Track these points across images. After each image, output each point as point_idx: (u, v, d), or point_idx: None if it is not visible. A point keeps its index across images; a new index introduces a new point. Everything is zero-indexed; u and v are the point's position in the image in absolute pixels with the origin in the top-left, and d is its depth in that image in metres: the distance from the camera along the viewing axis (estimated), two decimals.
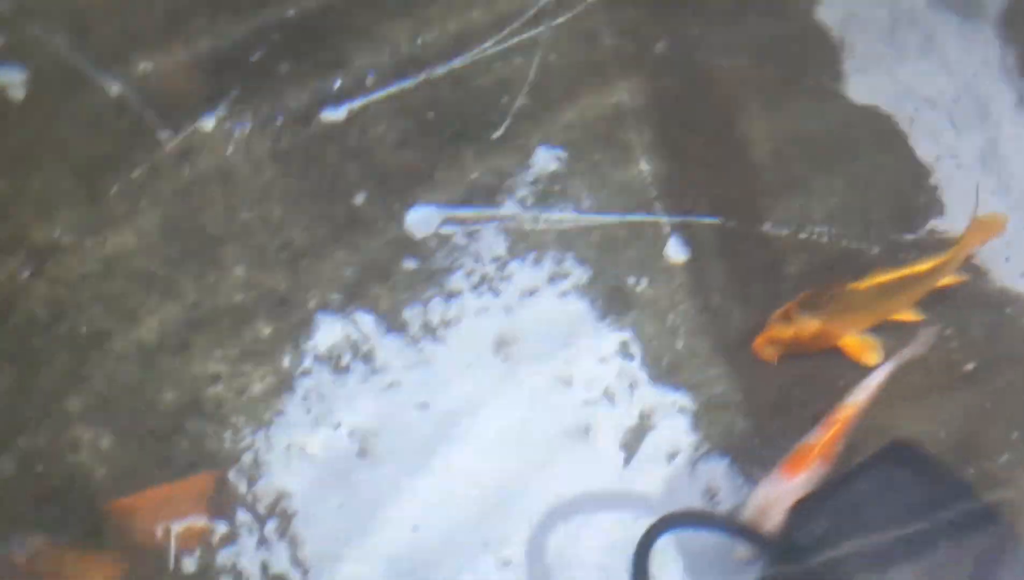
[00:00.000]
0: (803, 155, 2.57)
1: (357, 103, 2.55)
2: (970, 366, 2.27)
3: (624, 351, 2.31)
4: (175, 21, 2.63)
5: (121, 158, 2.39)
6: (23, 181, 2.33)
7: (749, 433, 2.24)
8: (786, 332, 2.23)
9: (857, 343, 2.25)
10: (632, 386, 2.27)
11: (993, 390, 2.25)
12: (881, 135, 2.60)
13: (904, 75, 2.65)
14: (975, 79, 2.59)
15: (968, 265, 2.38)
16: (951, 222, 2.46)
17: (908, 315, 2.29)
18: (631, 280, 2.39)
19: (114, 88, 2.48)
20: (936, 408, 2.24)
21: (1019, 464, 2.16)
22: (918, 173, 2.54)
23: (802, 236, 2.45)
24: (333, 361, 2.25)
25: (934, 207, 2.50)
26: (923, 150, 2.56)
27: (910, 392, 2.24)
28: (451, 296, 2.36)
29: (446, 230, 2.43)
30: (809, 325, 2.22)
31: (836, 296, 2.24)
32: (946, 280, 2.31)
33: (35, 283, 2.20)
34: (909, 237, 2.46)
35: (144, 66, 2.53)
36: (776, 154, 2.57)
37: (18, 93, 2.46)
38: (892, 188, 2.53)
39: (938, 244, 2.42)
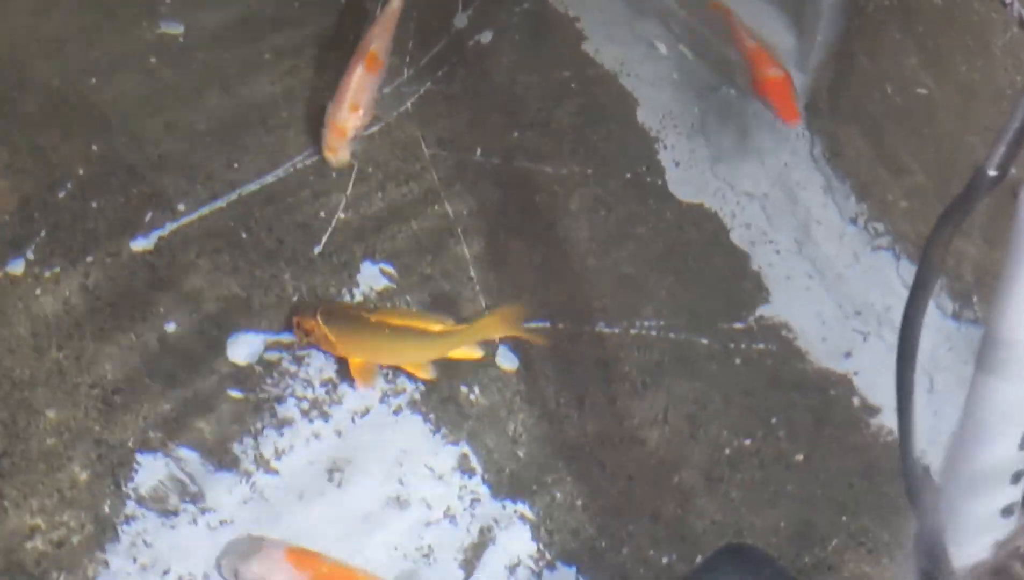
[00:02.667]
0: (630, 253, 2.72)
1: (167, 229, 2.61)
2: (800, 456, 2.43)
3: (463, 466, 2.39)
4: None
5: None
6: None
7: (594, 536, 2.34)
8: (309, 325, 2.44)
9: (359, 366, 2.44)
10: (473, 502, 2.35)
11: (823, 477, 2.41)
12: (704, 228, 2.77)
13: (722, 170, 2.84)
14: (786, 169, 2.79)
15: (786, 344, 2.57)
16: (777, 309, 2.64)
17: (421, 373, 2.47)
18: (464, 391, 2.48)
19: None
20: (772, 500, 2.38)
21: (847, 548, 2.31)
22: (741, 263, 2.72)
23: (633, 332, 2.59)
24: (158, 503, 2.27)
25: (759, 295, 2.68)
26: (743, 240, 2.74)
27: (748, 485, 2.39)
28: (283, 424, 2.40)
29: (271, 356, 2.49)
30: (323, 330, 2.42)
31: (351, 318, 2.46)
32: (460, 354, 2.48)
33: None
34: (738, 326, 2.62)
35: None
36: (603, 254, 2.72)
37: None
38: (718, 279, 2.69)
39: (765, 331, 2.60)
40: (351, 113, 2.72)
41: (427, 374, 2.46)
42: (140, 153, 2.75)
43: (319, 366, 2.49)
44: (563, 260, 2.70)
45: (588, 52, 3.07)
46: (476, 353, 2.49)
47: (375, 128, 2.85)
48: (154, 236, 2.60)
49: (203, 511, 2.28)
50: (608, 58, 3.05)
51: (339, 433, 2.41)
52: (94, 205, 2.63)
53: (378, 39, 2.83)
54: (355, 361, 2.43)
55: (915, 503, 1.44)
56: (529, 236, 2.75)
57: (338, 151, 2.72)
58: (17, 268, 2.52)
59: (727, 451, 2.42)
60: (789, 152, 2.80)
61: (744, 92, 2.88)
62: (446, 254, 2.69)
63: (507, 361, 2.53)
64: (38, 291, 2.47)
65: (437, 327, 2.43)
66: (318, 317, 2.42)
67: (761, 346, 2.58)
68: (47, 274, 2.50)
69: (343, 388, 2.47)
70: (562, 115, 2.97)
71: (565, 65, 3.05)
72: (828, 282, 2.65)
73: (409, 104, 2.93)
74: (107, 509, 2.25)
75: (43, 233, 2.58)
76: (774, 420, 2.46)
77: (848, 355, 2.57)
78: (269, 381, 2.46)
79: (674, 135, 2.91)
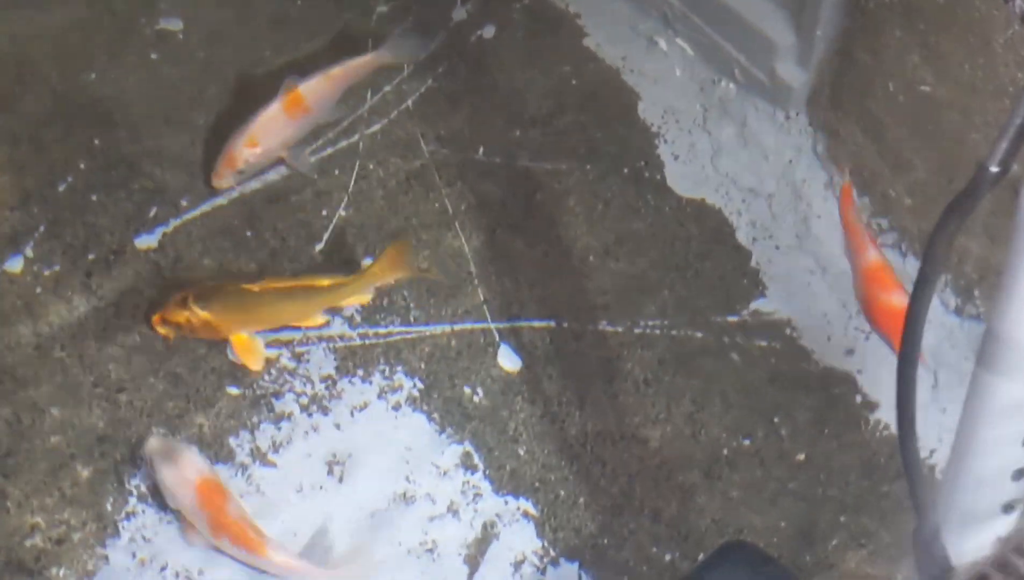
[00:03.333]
0: (631, 250, 2.73)
1: (171, 226, 2.63)
2: (801, 456, 2.44)
3: (466, 463, 2.41)
4: None
5: None
6: None
7: (595, 534, 2.36)
8: (180, 317, 2.40)
9: (244, 342, 2.45)
10: (476, 498, 2.37)
11: (824, 476, 2.42)
12: (705, 224, 2.78)
13: (723, 165, 2.85)
14: (790, 166, 2.81)
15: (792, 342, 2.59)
16: (773, 304, 2.65)
17: (312, 322, 2.52)
18: (467, 390, 2.50)
19: None
20: (773, 499, 2.39)
21: (848, 547, 2.33)
22: (741, 258, 2.73)
23: (637, 331, 2.60)
24: (159, 499, 2.29)
25: (756, 290, 2.69)
26: (745, 236, 2.75)
27: (748, 484, 2.40)
28: (280, 419, 2.43)
29: (271, 353, 2.51)
30: (200, 316, 2.39)
31: (229, 294, 2.45)
32: (352, 300, 2.52)
33: None
34: (733, 319, 2.63)
35: None
36: (604, 251, 2.73)
37: None
38: (718, 275, 2.70)
39: (761, 325, 2.62)
40: (247, 148, 2.65)
41: (316, 321, 2.50)
42: (141, 148, 2.77)
43: (318, 363, 2.51)
44: (564, 257, 2.72)
45: (589, 48, 3.07)
46: (366, 298, 2.53)
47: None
48: (158, 233, 2.62)
49: None
50: (609, 54, 3.05)
51: (338, 426, 2.43)
52: (95, 200, 2.64)
53: (318, 83, 2.74)
54: (238, 339, 2.43)
55: (915, 500, 1.46)
56: (529, 233, 2.76)
57: (222, 179, 2.66)
58: (16, 265, 2.54)
59: (726, 451, 2.44)
60: (792, 148, 2.81)
61: (743, 87, 2.90)
62: (446, 250, 2.71)
63: (509, 361, 2.54)
64: (39, 290, 2.49)
65: (325, 282, 2.46)
66: (192, 304, 2.39)
67: (762, 343, 2.59)
68: (47, 272, 2.53)
69: (342, 384, 2.48)
70: (562, 111, 2.97)
71: (566, 61, 3.06)
72: (829, 278, 2.66)
73: (410, 102, 2.94)
74: (109, 506, 2.27)
75: (43, 228, 2.60)
76: (775, 419, 2.47)
77: (850, 352, 2.58)
78: (267, 377, 2.48)
79: (675, 130, 2.92)
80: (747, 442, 2.45)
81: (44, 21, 2.91)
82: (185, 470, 2.22)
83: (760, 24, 2.80)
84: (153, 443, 2.26)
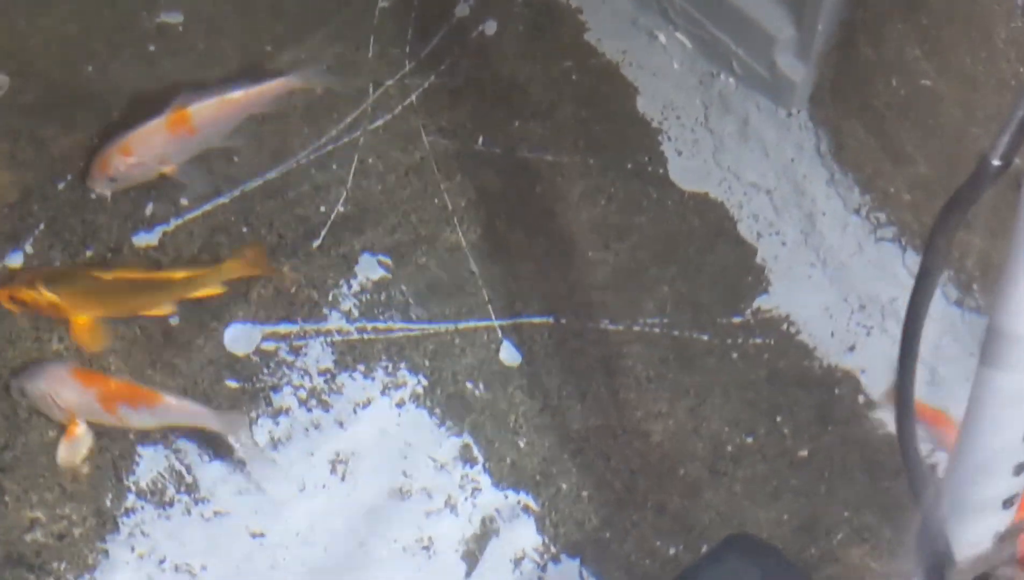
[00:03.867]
0: (632, 244, 2.72)
1: (170, 225, 2.63)
2: (804, 452, 2.43)
3: (465, 456, 2.40)
4: None
5: None
6: None
7: (598, 528, 2.35)
8: (27, 296, 2.40)
9: (84, 324, 2.42)
10: (474, 492, 2.37)
11: (827, 472, 2.41)
12: (708, 221, 2.77)
13: (725, 160, 2.84)
14: (792, 164, 2.79)
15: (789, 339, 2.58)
16: (776, 300, 2.64)
17: (160, 311, 2.50)
18: (468, 385, 2.49)
19: None
20: (776, 494, 2.38)
21: (850, 542, 2.32)
22: (744, 255, 2.72)
23: (636, 329, 2.59)
24: (157, 495, 2.29)
25: (759, 286, 2.68)
26: (749, 231, 2.74)
27: (751, 479, 2.39)
28: (279, 413, 2.42)
29: (268, 346, 2.50)
30: (46, 297, 2.38)
31: (77, 279, 2.44)
32: (204, 292, 2.50)
33: None
34: (737, 320, 2.62)
35: None
36: (604, 246, 2.72)
37: None
38: (721, 272, 2.69)
39: (763, 323, 2.61)
40: (120, 155, 2.57)
41: (164, 311, 2.48)
42: None
43: (316, 356, 2.50)
44: (565, 252, 2.71)
45: (590, 42, 3.06)
46: (217, 290, 2.51)
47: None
48: (157, 231, 2.62)
49: (197, 501, 2.30)
50: (610, 48, 3.04)
51: (340, 424, 2.42)
52: (94, 197, 2.63)
53: (211, 107, 2.62)
54: (78, 320, 2.41)
55: (916, 494, 1.45)
56: (530, 227, 2.75)
57: (96, 183, 2.62)
58: (16, 261, 2.54)
59: (729, 447, 2.43)
60: (793, 144, 2.80)
61: (743, 81, 2.89)
62: (444, 245, 2.70)
63: (510, 356, 2.54)
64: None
65: (179, 274, 2.47)
66: (39, 285, 2.38)
67: (762, 340, 2.58)
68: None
69: (342, 378, 2.48)
70: (564, 105, 2.96)
71: (567, 55, 3.05)
72: (832, 274, 2.65)
73: (413, 97, 2.93)
74: (108, 502, 2.27)
75: (42, 226, 2.60)
76: (778, 417, 2.46)
77: (852, 349, 2.57)
78: (265, 370, 2.47)
79: (676, 125, 2.91)
80: (749, 438, 2.44)
81: (43, 15, 2.90)
82: (55, 371, 2.26)
83: (759, 17, 2.79)
84: (17, 381, 2.29)
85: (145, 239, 2.60)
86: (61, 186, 2.66)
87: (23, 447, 2.26)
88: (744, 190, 2.79)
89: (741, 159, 2.82)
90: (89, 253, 2.55)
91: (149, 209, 2.64)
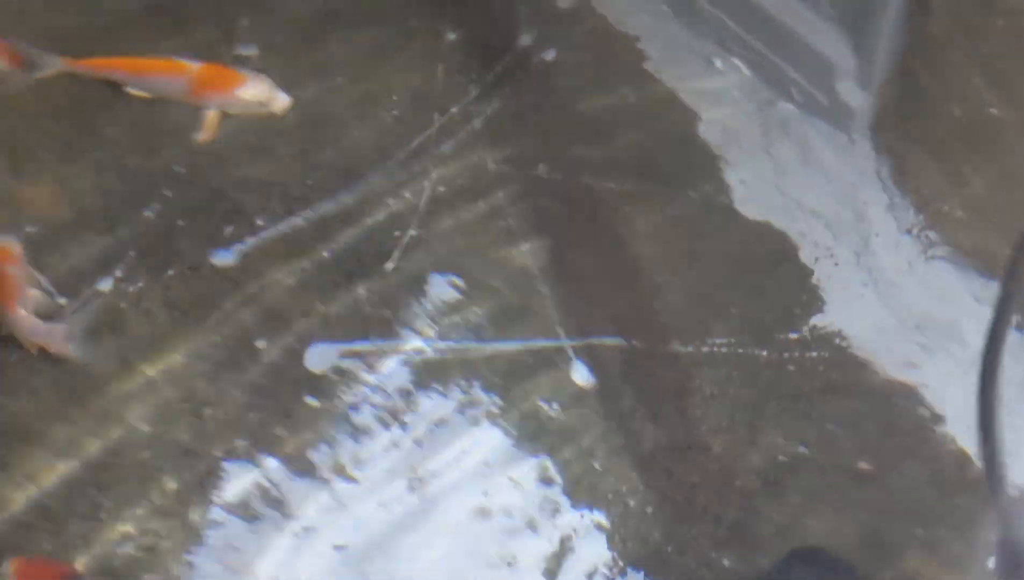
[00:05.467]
0: (697, 269, 2.69)
1: (248, 245, 2.62)
2: (865, 463, 2.40)
3: (542, 476, 2.38)
4: (64, 184, 2.68)
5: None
6: None
7: (661, 542, 2.32)
8: None
9: None
10: (553, 511, 2.33)
11: (891, 485, 2.37)
12: (769, 245, 2.74)
13: (786, 186, 2.81)
14: (853, 189, 2.76)
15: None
16: (830, 318, 2.61)
17: None
18: (542, 405, 2.46)
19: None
20: (837, 507, 2.34)
21: (921, 558, 2.28)
22: (803, 276, 2.69)
23: (704, 350, 2.57)
24: (243, 509, 2.28)
25: (814, 305, 2.64)
26: (807, 254, 2.71)
27: (808, 492, 2.37)
28: (358, 432, 2.40)
29: (346, 364, 2.49)
30: None
31: None
32: None
33: None
34: (794, 336, 2.60)
35: (30, 230, 2.57)
36: (671, 270, 2.69)
37: None
38: (781, 294, 2.66)
39: (819, 339, 2.58)
40: None
41: None
42: (221, 171, 2.75)
43: (393, 375, 2.48)
44: (631, 276, 2.68)
45: (649, 70, 3.04)
46: None
47: None
48: (236, 250, 2.60)
49: (285, 516, 2.27)
50: (669, 76, 3.02)
51: (417, 442, 2.40)
52: (180, 224, 2.63)
53: None
54: None
55: (998, 513, 1.43)
56: (595, 251, 2.72)
57: None
58: (106, 286, 2.53)
59: (784, 457, 2.40)
60: (854, 170, 2.77)
61: (803, 108, 2.87)
62: (513, 267, 2.67)
63: (582, 377, 2.51)
64: (125, 307, 2.47)
65: None
66: None
67: (815, 354, 2.56)
68: (131, 290, 2.51)
69: (419, 396, 2.45)
70: (624, 132, 2.94)
71: (626, 83, 3.03)
72: (881, 289, 2.63)
73: (477, 123, 2.93)
74: (195, 516, 2.26)
75: (131, 252, 2.59)
76: (832, 427, 2.44)
77: (911, 366, 2.54)
78: (344, 389, 2.45)
79: (736, 151, 2.88)
80: (803, 449, 2.41)
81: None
82: None
83: (818, 45, 2.76)
84: None
85: (225, 259, 2.60)
86: (147, 213, 2.66)
87: (117, 466, 2.25)
88: (805, 215, 2.76)
89: (802, 184, 2.79)
90: (171, 272, 2.54)
91: (228, 230, 2.64)
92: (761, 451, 2.42)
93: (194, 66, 2.80)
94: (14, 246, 2.46)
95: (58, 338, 2.35)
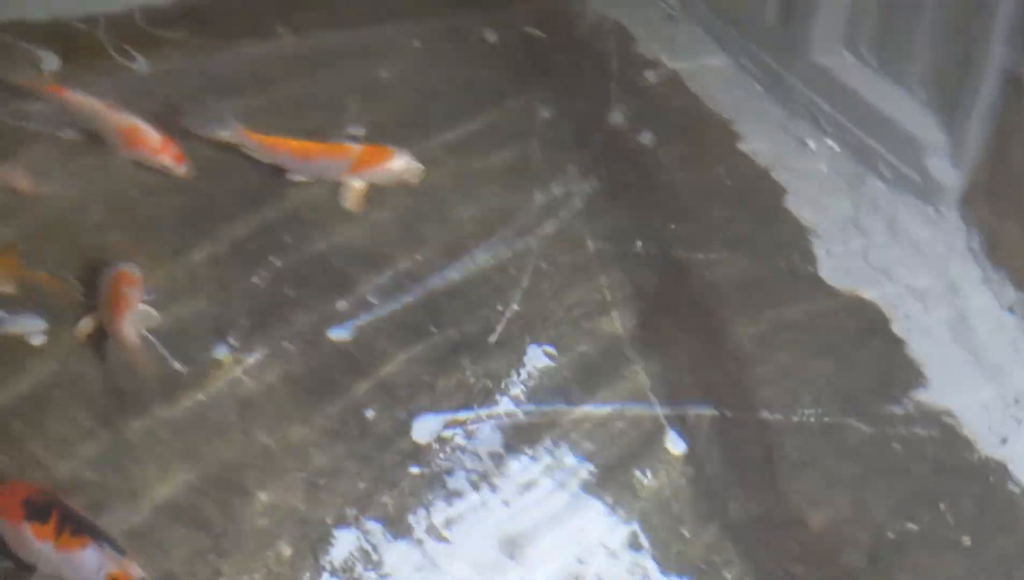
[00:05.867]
0: (787, 339, 2.70)
1: (362, 321, 2.71)
2: (967, 539, 2.39)
3: (633, 542, 2.39)
4: (180, 253, 2.79)
5: (138, 392, 2.50)
6: (39, 420, 2.42)
7: None
8: None
9: None
10: (643, 578, 2.36)
11: (990, 560, 2.34)
12: (859, 316, 2.75)
13: (875, 259, 2.83)
14: (943, 262, 2.78)
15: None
16: (934, 394, 2.60)
17: None
18: (634, 471, 2.49)
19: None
20: None
21: None
22: (897, 349, 2.68)
23: (794, 419, 2.60)
24: (347, 573, 2.33)
25: (915, 380, 2.64)
26: (900, 328, 2.71)
27: (915, 568, 2.35)
28: (452, 495, 2.44)
29: (447, 433, 2.54)
30: None
31: None
32: None
33: None
34: (897, 411, 2.60)
35: (146, 298, 2.67)
36: (760, 340, 2.71)
37: (37, 340, 2.58)
38: (874, 366, 2.66)
39: (923, 416, 2.57)
40: None
41: None
42: (328, 244, 2.86)
43: (486, 439, 2.53)
44: (721, 345, 2.70)
45: (742, 149, 3.09)
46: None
47: None
48: (350, 326, 2.69)
49: (382, 577, 2.32)
50: (761, 155, 3.07)
51: (507, 503, 2.43)
52: (290, 294, 2.73)
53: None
54: None
55: None
56: (687, 321, 2.76)
57: None
58: (220, 352, 2.62)
59: (891, 534, 2.40)
60: (945, 243, 2.78)
61: (893, 185, 2.89)
62: (605, 336, 2.72)
63: (675, 445, 2.55)
64: (245, 378, 2.56)
65: None
66: None
67: (919, 431, 2.55)
68: (251, 360, 2.60)
69: (510, 461, 2.50)
70: (717, 207, 2.99)
71: (719, 161, 3.08)
72: (985, 370, 2.62)
73: (577, 201, 2.99)
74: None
75: (243, 320, 2.69)
76: (941, 505, 2.43)
77: (1004, 441, 2.53)
78: (442, 455, 2.50)
79: (826, 224, 2.91)
80: (912, 526, 2.41)
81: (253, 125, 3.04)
82: None
83: (909, 125, 2.80)
84: None
85: (340, 334, 2.68)
86: (258, 282, 2.76)
87: (236, 533, 2.32)
88: (895, 287, 2.77)
89: (891, 257, 2.81)
90: (290, 346, 2.63)
91: (341, 305, 2.73)
92: (866, 527, 2.40)
93: (356, 147, 2.94)
94: (135, 271, 2.65)
95: (140, 353, 2.50)
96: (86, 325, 2.59)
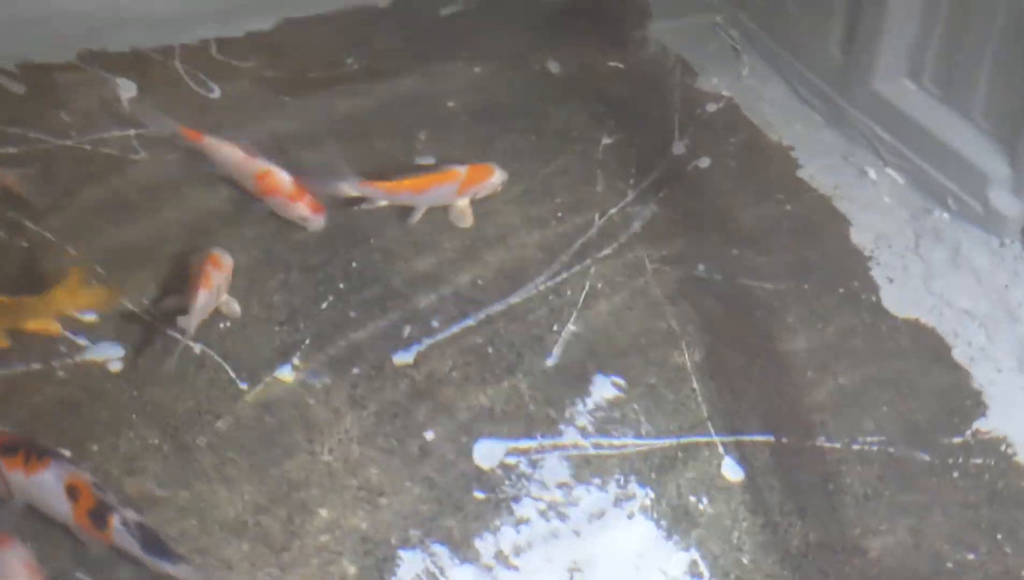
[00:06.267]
0: (847, 366, 2.70)
1: (424, 345, 2.73)
2: None
3: (693, 570, 2.39)
4: (251, 280, 2.85)
5: (206, 411, 2.54)
6: (115, 443, 2.46)
7: None
8: None
9: None
10: None
11: None
12: (921, 345, 2.74)
13: (937, 287, 2.82)
14: (1006, 291, 2.75)
15: None
16: (995, 422, 2.59)
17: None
18: (692, 499, 2.49)
19: (197, 347, 2.68)
20: None
21: None
22: (959, 378, 2.67)
23: (855, 447, 2.58)
24: None
25: (977, 409, 2.62)
26: (962, 356, 2.70)
27: None
28: (520, 523, 2.46)
29: (511, 460, 2.57)
30: None
31: None
32: (36, 325, 2.61)
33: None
34: (957, 440, 2.58)
35: (223, 325, 2.74)
36: (821, 367, 2.71)
37: (116, 366, 2.63)
38: (936, 394, 2.65)
39: (983, 445, 2.56)
40: None
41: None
42: (392, 268, 2.89)
43: (553, 469, 2.53)
44: (783, 373, 2.70)
45: (802, 178, 3.09)
46: (54, 328, 2.63)
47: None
48: (413, 350, 2.72)
49: None
50: (822, 183, 3.07)
51: (576, 533, 2.44)
52: (353, 316, 2.77)
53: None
54: None
55: None
56: (749, 349, 2.76)
57: None
58: (285, 373, 2.65)
59: (951, 564, 2.38)
60: (1007, 273, 2.76)
61: (955, 215, 2.87)
62: (670, 365, 2.72)
63: (732, 472, 2.54)
64: (311, 401, 2.59)
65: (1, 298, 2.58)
66: None
67: (978, 460, 2.53)
68: (318, 384, 2.63)
69: (578, 491, 2.51)
70: (778, 235, 2.99)
71: (780, 189, 3.08)
72: None
73: (636, 225, 3.00)
74: None
75: (307, 341, 2.73)
76: (998, 536, 2.40)
77: None
78: (507, 483, 2.51)
79: (888, 254, 2.90)
80: (971, 556, 2.38)
81: (309, 158, 3.09)
82: None
83: (972, 156, 2.78)
84: None
85: (403, 358, 2.71)
86: (324, 306, 2.80)
87: (299, 549, 2.34)
88: (957, 316, 2.75)
89: (953, 286, 2.79)
90: (356, 370, 2.66)
91: (406, 331, 2.77)
92: (925, 556, 2.39)
93: (461, 169, 3.01)
94: (226, 258, 2.78)
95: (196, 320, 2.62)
96: (170, 302, 2.70)
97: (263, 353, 2.68)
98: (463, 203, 3.02)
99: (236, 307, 2.74)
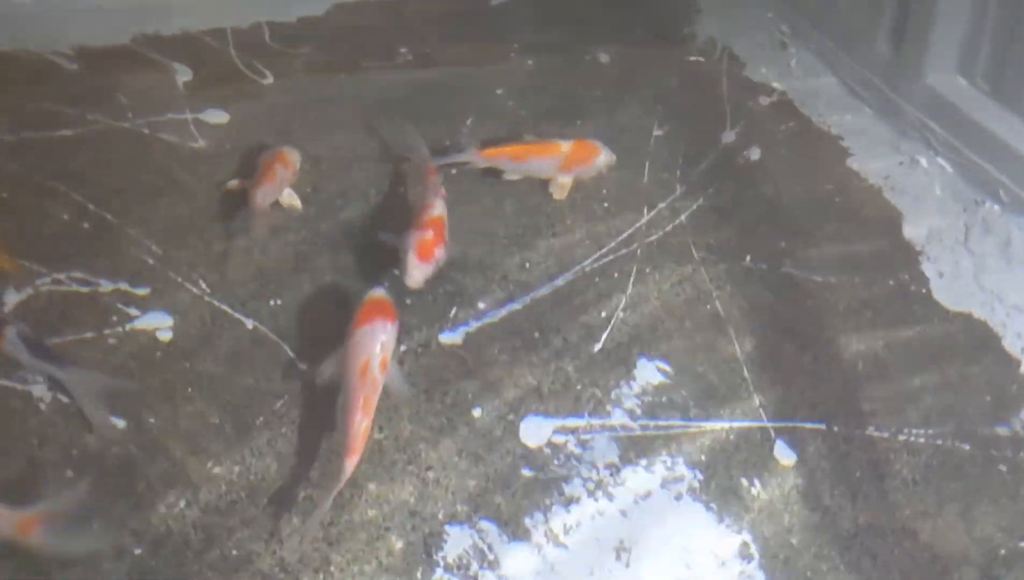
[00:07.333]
0: (897, 358, 2.66)
1: (472, 326, 2.71)
2: None
3: (744, 552, 2.37)
4: (301, 259, 2.84)
5: (263, 390, 2.54)
6: (173, 416, 2.47)
7: None
8: None
9: None
10: None
11: None
12: (970, 336, 2.70)
13: (988, 281, 2.77)
14: None
15: None
16: None
17: None
18: (744, 482, 2.46)
19: (249, 323, 2.68)
20: None
21: None
22: (1008, 369, 2.63)
23: (901, 438, 2.54)
24: (462, 570, 2.33)
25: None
26: (1012, 347, 2.65)
27: None
28: (569, 502, 2.44)
29: (558, 439, 2.55)
30: None
31: None
32: None
33: (190, 511, 2.33)
34: (1003, 431, 2.53)
35: (275, 302, 2.73)
36: (872, 358, 2.67)
37: (166, 335, 2.64)
38: (985, 385, 2.60)
39: None
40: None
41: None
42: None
43: (602, 450, 2.51)
44: (833, 363, 2.66)
45: (852, 167, 3.05)
46: None
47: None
48: (461, 331, 2.70)
49: (500, 578, 2.31)
50: (872, 173, 3.03)
51: (624, 513, 2.41)
52: (408, 302, 2.76)
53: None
54: None
55: None
56: (799, 338, 2.72)
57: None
58: None
59: (1003, 551, 2.34)
60: None
61: (1007, 208, 2.82)
62: (718, 353, 2.69)
63: (785, 455, 2.51)
64: None
65: None
66: None
67: None
68: None
69: (625, 471, 2.49)
70: (828, 225, 2.95)
71: (829, 179, 3.04)
72: None
73: (683, 217, 2.98)
74: (419, 575, 2.32)
75: None
76: None
77: None
78: (556, 462, 2.49)
79: (938, 247, 2.86)
80: (1023, 543, 2.34)
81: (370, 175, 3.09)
82: None
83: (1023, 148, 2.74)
84: None
85: (451, 338, 2.70)
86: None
87: (346, 524, 2.33)
88: (1007, 309, 2.71)
89: (1004, 280, 2.75)
90: (403, 348, 2.65)
91: (453, 312, 2.75)
92: (976, 543, 2.35)
93: (565, 144, 3.01)
94: (293, 155, 2.91)
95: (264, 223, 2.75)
96: (233, 185, 2.89)
97: (320, 337, 2.64)
98: (565, 180, 3.02)
99: (297, 202, 2.87)
